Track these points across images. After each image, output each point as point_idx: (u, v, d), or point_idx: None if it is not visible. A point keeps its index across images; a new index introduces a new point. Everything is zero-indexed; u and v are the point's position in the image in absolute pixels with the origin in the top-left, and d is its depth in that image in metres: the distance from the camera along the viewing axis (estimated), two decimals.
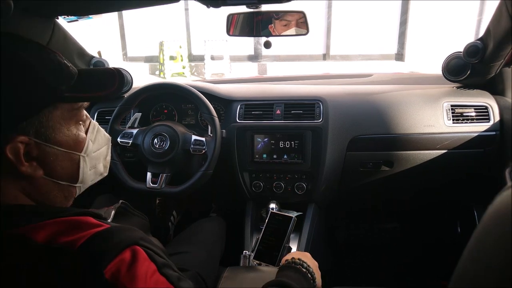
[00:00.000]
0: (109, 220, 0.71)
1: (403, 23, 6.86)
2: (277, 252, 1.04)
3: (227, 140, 1.44)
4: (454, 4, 6.27)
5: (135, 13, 7.02)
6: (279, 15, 1.24)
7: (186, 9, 7.21)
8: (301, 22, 1.25)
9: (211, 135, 1.36)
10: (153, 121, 1.59)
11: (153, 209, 1.70)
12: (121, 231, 0.58)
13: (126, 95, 1.44)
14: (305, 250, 1.32)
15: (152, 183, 1.34)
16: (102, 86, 0.67)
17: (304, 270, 0.83)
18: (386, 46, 7.05)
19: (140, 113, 1.50)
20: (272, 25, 1.25)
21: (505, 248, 0.32)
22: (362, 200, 1.86)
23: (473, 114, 1.38)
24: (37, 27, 1.12)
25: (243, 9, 1.16)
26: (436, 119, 1.38)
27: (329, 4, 7.01)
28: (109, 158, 0.79)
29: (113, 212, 0.77)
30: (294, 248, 1.33)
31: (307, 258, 0.89)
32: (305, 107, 1.43)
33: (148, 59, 7.61)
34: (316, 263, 0.91)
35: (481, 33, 1.33)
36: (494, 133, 1.35)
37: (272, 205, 1.37)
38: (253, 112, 1.46)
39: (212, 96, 1.50)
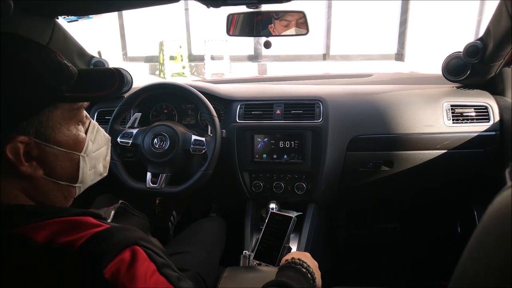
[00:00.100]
0: (108, 220, 0.71)
1: (403, 23, 6.86)
2: (277, 252, 1.04)
3: (227, 140, 1.44)
4: (454, 4, 6.27)
5: (135, 13, 7.02)
6: (279, 15, 1.24)
7: (186, 9, 7.20)
8: (301, 22, 1.25)
9: (211, 135, 1.36)
10: (153, 121, 1.59)
11: (153, 209, 1.70)
12: (120, 231, 0.58)
13: (126, 95, 1.44)
14: (305, 250, 1.32)
15: (152, 183, 1.34)
16: (102, 86, 0.67)
17: (304, 270, 0.83)
18: (386, 46, 7.05)
19: (140, 113, 1.50)
20: (272, 25, 1.25)
21: (505, 248, 0.32)
22: (362, 200, 1.86)
23: (473, 114, 1.38)
24: (37, 27, 1.12)
25: (243, 9, 1.16)
26: (436, 119, 1.38)
27: (329, 4, 7.01)
28: (108, 158, 0.79)
29: (112, 212, 0.77)
30: (294, 248, 1.33)
31: (307, 258, 0.89)
32: (305, 107, 1.43)
33: (148, 59, 7.61)
34: (316, 263, 0.91)
35: (481, 33, 1.33)
36: (494, 133, 1.35)
37: (272, 205, 1.37)
38: (253, 112, 1.46)
39: (212, 96, 1.50)
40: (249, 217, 1.46)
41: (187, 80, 5.17)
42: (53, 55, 0.61)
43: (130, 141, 1.37)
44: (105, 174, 0.78)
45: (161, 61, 7.10)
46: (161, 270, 0.57)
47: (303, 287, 0.79)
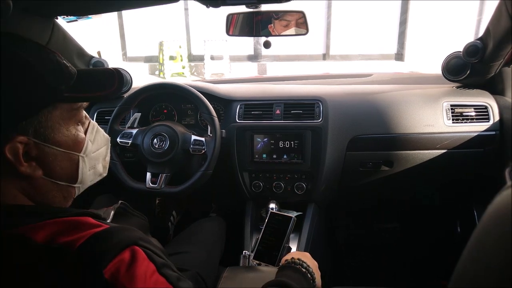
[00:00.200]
0: (108, 221, 0.71)
1: (403, 22, 6.86)
2: (277, 252, 1.04)
3: (227, 140, 1.43)
4: (454, 4, 6.27)
5: (135, 13, 7.02)
6: (278, 15, 1.24)
7: (186, 9, 7.20)
8: (300, 22, 1.25)
9: (211, 135, 1.36)
10: (153, 121, 1.59)
11: (153, 209, 1.70)
12: (120, 231, 0.58)
13: (125, 95, 1.44)
14: (305, 250, 1.32)
15: (152, 183, 1.34)
16: (101, 86, 0.67)
17: (304, 270, 0.83)
18: (386, 46, 7.05)
19: (140, 113, 1.50)
20: (272, 25, 1.25)
21: (505, 248, 0.32)
22: (362, 200, 1.86)
23: (473, 113, 1.38)
24: (37, 27, 1.12)
25: (242, 9, 1.16)
26: (436, 118, 1.38)
27: (329, 4, 7.01)
28: (108, 158, 0.79)
29: (112, 212, 0.77)
30: (293, 248, 1.33)
31: (307, 258, 0.89)
32: (304, 107, 1.43)
33: (148, 59, 7.60)
34: (315, 263, 0.91)
35: (481, 33, 1.33)
36: (493, 132, 1.35)
37: (272, 205, 1.37)
38: (252, 112, 1.46)
39: (212, 96, 1.50)
40: (249, 217, 1.46)
41: (186, 80, 5.17)
42: (52, 55, 0.61)
43: (130, 141, 1.37)
44: (105, 175, 0.78)
45: (161, 61, 7.10)
46: (160, 270, 0.57)
47: (303, 287, 0.79)
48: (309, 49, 7.14)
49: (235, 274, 1.02)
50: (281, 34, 1.27)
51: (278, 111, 1.44)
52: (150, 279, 0.54)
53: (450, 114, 1.38)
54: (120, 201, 0.85)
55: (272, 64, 7.16)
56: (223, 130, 1.41)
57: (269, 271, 1.00)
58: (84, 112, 0.69)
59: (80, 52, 1.44)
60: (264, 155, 1.43)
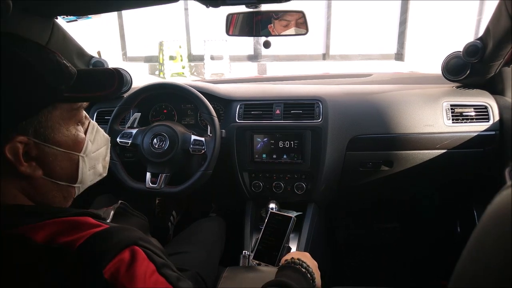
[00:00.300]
0: (108, 220, 0.71)
1: (403, 22, 6.86)
2: (277, 252, 1.04)
3: (227, 140, 1.43)
4: (453, 4, 6.27)
5: (135, 13, 7.02)
6: (278, 15, 1.24)
7: (186, 9, 7.20)
8: (300, 22, 1.25)
9: (211, 135, 1.36)
10: (153, 121, 1.59)
11: (153, 209, 1.70)
12: (120, 231, 0.58)
13: (125, 95, 1.44)
14: (305, 250, 1.32)
15: (152, 183, 1.34)
16: (101, 86, 0.67)
17: (304, 270, 0.83)
18: (385, 46, 7.05)
19: (140, 113, 1.50)
20: (272, 25, 1.25)
21: (505, 248, 0.32)
22: (362, 200, 1.86)
23: (473, 113, 1.38)
24: (36, 27, 1.12)
25: (242, 8, 1.16)
26: (436, 118, 1.38)
27: (329, 4, 7.01)
28: (108, 158, 0.79)
29: (112, 212, 0.77)
30: (293, 248, 1.33)
31: (307, 258, 0.89)
32: (304, 107, 1.43)
33: (148, 59, 7.60)
34: (315, 263, 0.91)
35: (481, 32, 1.33)
36: (493, 132, 1.35)
37: (272, 205, 1.37)
38: (252, 112, 1.46)
39: (212, 96, 1.50)
40: (249, 217, 1.46)
41: (186, 80, 5.17)
42: (52, 55, 0.61)
43: (130, 141, 1.37)
44: (105, 174, 0.78)
45: (161, 61, 7.10)
46: (160, 270, 0.57)
47: (302, 287, 0.79)
48: (309, 49, 7.14)
49: (235, 274, 1.02)
50: (281, 34, 1.27)
51: (278, 111, 1.44)
52: (150, 279, 0.54)
53: (450, 114, 1.38)
54: (120, 201, 0.85)
55: (272, 64, 7.16)
56: (223, 130, 1.41)
57: (269, 271, 1.00)
58: (84, 112, 0.69)
59: (80, 52, 1.44)
60: (264, 155, 1.43)
